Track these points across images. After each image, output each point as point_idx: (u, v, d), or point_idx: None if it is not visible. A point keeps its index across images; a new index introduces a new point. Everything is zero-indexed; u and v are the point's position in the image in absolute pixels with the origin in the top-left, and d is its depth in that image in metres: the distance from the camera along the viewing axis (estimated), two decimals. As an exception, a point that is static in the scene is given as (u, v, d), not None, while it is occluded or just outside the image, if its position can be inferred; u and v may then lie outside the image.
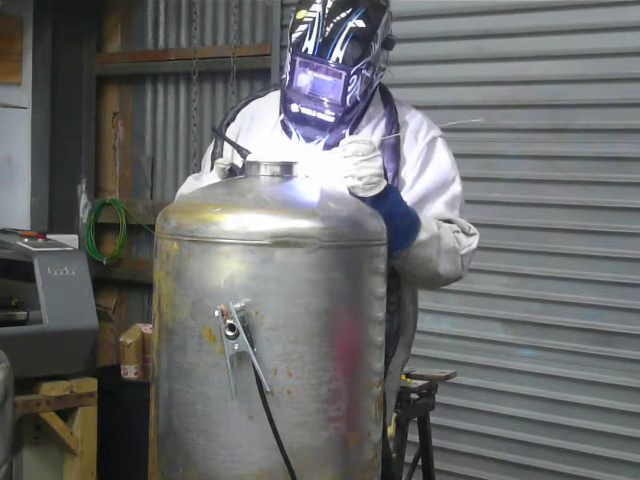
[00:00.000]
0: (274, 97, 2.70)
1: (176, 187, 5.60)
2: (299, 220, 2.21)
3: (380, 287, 2.34)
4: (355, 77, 2.51)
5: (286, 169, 2.36)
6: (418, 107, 2.78)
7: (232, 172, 2.52)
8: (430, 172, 2.65)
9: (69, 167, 5.81)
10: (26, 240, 4.43)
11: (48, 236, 4.57)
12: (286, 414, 2.19)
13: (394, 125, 2.65)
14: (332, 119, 2.52)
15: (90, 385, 4.42)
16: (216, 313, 2.16)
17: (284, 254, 2.18)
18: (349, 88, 2.51)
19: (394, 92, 2.76)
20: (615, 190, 4.26)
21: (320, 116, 2.52)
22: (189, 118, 5.61)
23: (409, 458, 4.05)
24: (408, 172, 2.63)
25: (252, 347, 2.14)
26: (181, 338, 2.25)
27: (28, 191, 5.60)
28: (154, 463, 2.35)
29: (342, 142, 2.47)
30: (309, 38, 2.51)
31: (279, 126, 2.64)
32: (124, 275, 5.84)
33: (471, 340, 4.63)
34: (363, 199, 2.43)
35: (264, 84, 5.17)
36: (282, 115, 2.60)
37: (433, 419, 4.13)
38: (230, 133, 2.72)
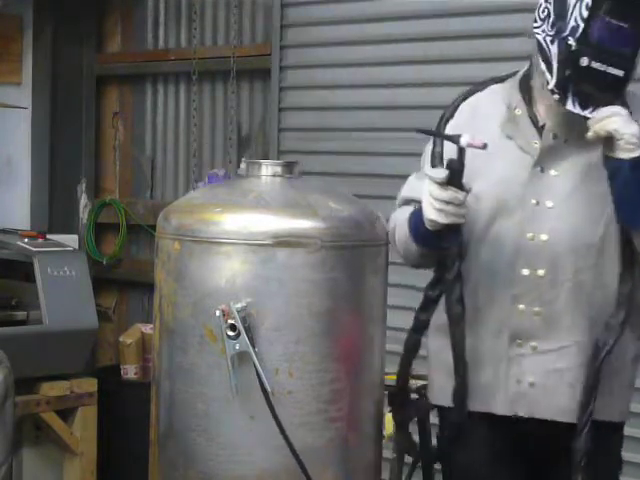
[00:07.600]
0: (496, 91, 2.55)
1: (176, 187, 5.61)
2: (300, 220, 2.21)
3: (381, 287, 2.34)
4: None
5: (287, 169, 2.36)
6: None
7: (452, 170, 2.28)
8: None
9: (69, 167, 5.80)
10: (26, 240, 4.42)
11: (48, 236, 4.56)
12: (287, 414, 2.19)
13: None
14: (622, 73, 2.36)
15: (90, 385, 4.42)
16: (217, 313, 2.16)
17: (285, 254, 2.18)
18: None
19: None
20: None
21: (610, 70, 2.35)
22: (189, 118, 5.60)
23: (409, 458, 4.04)
24: None
25: (253, 347, 2.14)
26: (182, 338, 2.25)
27: (28, 191, 5.59)
28: (154, 463, 2.35)
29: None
30: None
31: (509, 122, 2.48)
32: (124, 275, 5.83)
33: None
34: (619, 165, 2.29)
35: (264, 84, 5.16)
36: (552, 81, 2.37)
37: (433, 419, 4.12)
38: (448, 130, 2.49)
